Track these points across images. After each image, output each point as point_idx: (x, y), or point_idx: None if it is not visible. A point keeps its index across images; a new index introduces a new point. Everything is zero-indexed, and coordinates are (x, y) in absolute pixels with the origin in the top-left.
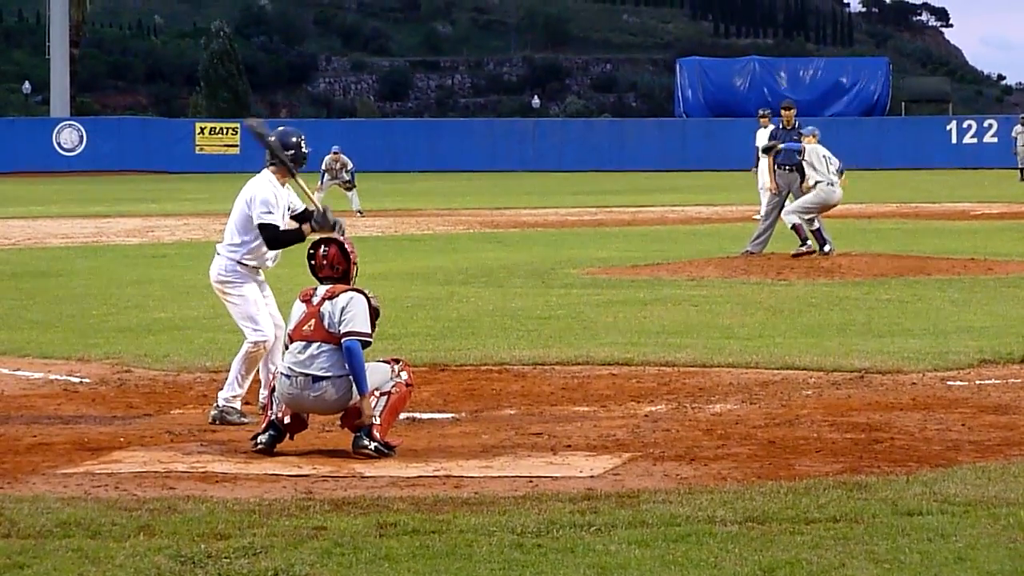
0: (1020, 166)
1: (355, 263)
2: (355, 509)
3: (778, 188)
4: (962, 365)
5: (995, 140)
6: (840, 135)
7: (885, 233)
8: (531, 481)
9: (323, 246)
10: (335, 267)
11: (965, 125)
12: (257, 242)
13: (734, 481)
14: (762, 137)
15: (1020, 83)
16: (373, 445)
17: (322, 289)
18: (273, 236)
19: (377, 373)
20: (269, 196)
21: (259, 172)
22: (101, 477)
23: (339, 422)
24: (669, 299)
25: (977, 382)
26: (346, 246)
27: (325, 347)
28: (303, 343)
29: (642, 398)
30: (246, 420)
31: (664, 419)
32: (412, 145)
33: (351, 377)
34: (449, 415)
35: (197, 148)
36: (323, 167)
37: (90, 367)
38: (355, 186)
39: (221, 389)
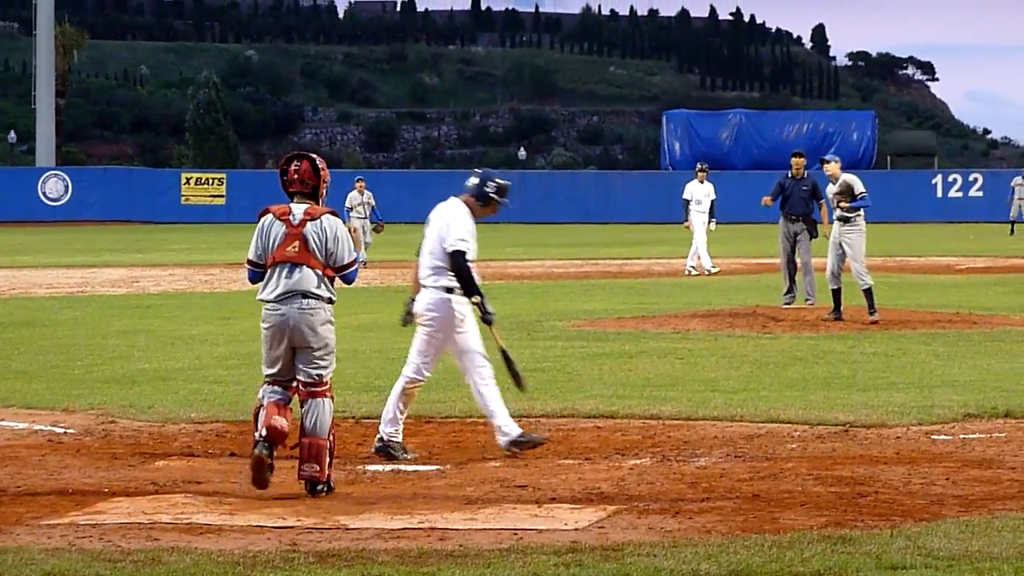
0: (1011, 219)
1: (325, 181)
2: (340, 561)
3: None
4: (946, 419)
5: (980, 194)
6: (825, 188)
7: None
8: (516, 534)
9: (295, 161)
10: (306, 182)
11: (951, 179)
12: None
13: (718, 534)
14: (692, 190)
15: (1006, 137)
16: (325, 490)
17: (299, 209)
18: (461, 265)
19: (328, 413)
20: (463, 222)
21: (447, 201)
22: (85, 528)
23: (299, 475)
24: (654, 352)
25: (961, 436)
26: (317, 162)
27: (311, 271)
28: (290, 265)
29: (627, 451)
30: (408, 455)
31: (649, 472)
32: (398, 196)
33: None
34: (434, 467)
35: (183, 198)
36: (347, 204)
37: (75, 417)
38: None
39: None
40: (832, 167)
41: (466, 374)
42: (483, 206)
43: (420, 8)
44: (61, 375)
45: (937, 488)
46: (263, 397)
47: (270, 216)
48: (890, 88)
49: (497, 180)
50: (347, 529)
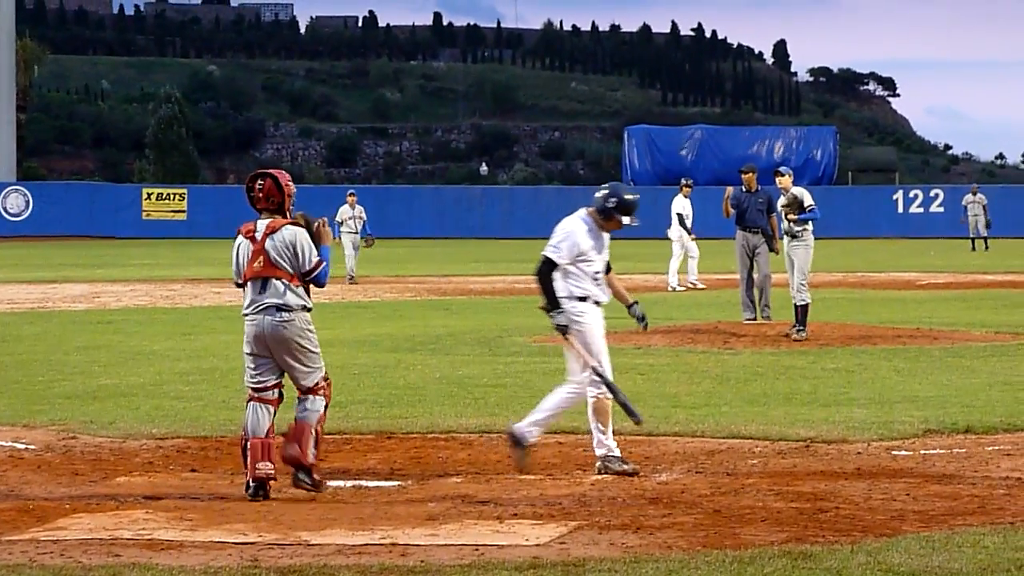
0: (971, 236)
1: (290, 195)
2: None
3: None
4: (907, 435)
5: (941, 210)
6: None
7: (831, 302)
8: (477, 549)
9: (259, 180)
10: (271, 199)
11: (912, 195)
12: (579, 269)
13: (679, 550)
14: (679, 204)
15: (966, 153)
16: (311, 482)
17: (262, 225)
18: (540, 271)
19: (319, 406)
20: (568, 232)
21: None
22: (46, 544)
23: (281, 454)
24: (616, 367)
25: (922, 452)
26: (280, 180)
27: (278, 282)
28: (260, 281)
29: (589, 466)
30: (628, 467)
31: (610, 488)
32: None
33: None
34: (395, 483)
35: (144, 214)
36: (338, 218)
37: (35, 433)
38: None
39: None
40: (785, 180)
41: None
42: (605, 220)
43: (382, 23)
44: (22, 391)
45: (898, 504)
46: (247, 423)
47: (240, 236)
48: (851, 104)
49: (624, 195)
50: (308, 545)
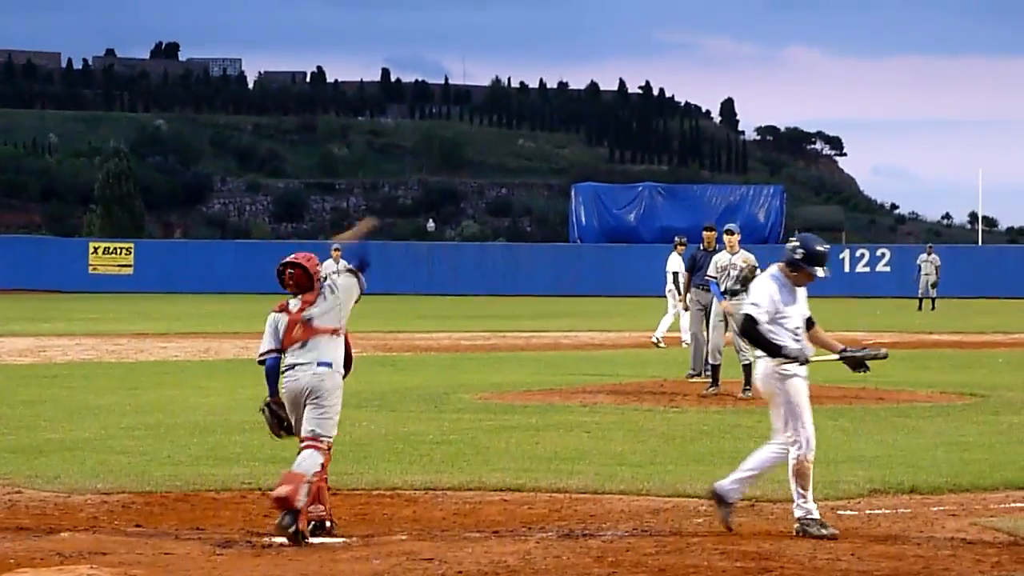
0: (919, 295)
1: (318, 278)
2: None
3: (687, 306)
4: (852, 494)
5: (888, 269)
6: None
7: None
8: None
9: (290, 268)
10: (300, 285)
11: (858, 254)
12: (778, 326)
13: None
14: (673, 263)
15: (913, 212)
16: (294, 529)
17: (295, 302)
18: (747, 328)
19: (317, 460)
20: (763, 290)
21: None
22: None
23: (272, 495)
24: (562, 425)
25: (867, 512)
26: (309, 269)
27: (320, 339)
28: (300, 344)
29: (534, 524)
30: (827, 532)
31: (555, 546)
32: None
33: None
34: (340, 540)
35: (90, 268)
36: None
37: None
38: None
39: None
40: (734, 239)
41: None
42: (796, 273)
43: (330, 79)
44: None
45: (843, 564)
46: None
47: (274, 314)
48: (798, 162)
49: (813, 247)
50: None
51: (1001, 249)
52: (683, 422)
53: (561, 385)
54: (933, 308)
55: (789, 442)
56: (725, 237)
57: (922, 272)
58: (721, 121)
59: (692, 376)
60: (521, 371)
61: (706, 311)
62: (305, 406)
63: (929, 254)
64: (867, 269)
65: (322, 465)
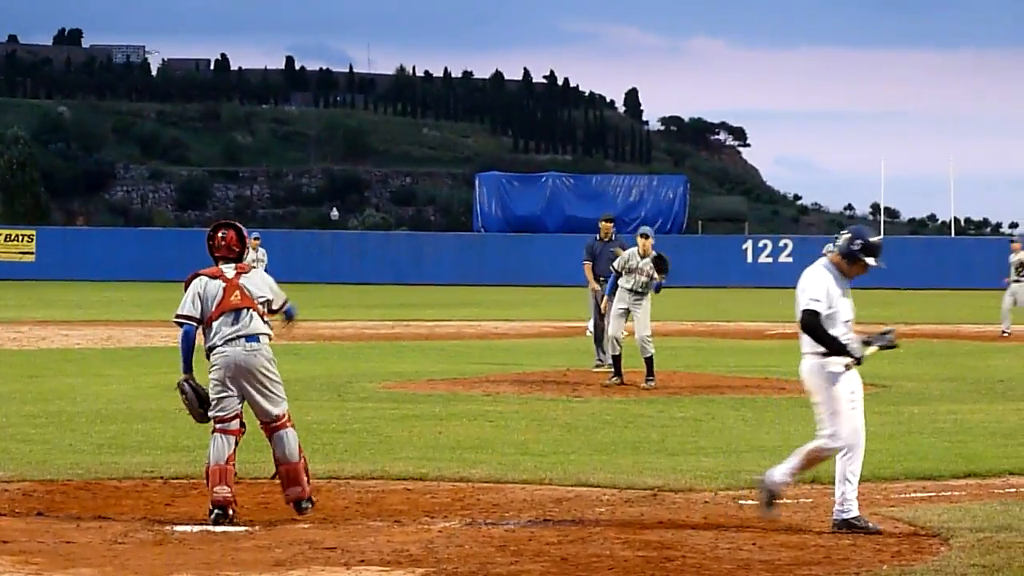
0: None
1: (247, 248)
2: None
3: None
4: (754, 484)
5: (790, 260)
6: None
7: (680, 351)
8: None
9: (223, 230)
10: (232, 248)
11: (761, 244)
12: (831, 320)
13: None
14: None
15: (816, 203)
16: (309, 506)
17: (229, 267)
18: (811, 323)
19: (294, 439)
20: (818, 281)
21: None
22: None
23: (285, 500)
24: (465, 414)
25: None
26: (243, 231)
27: (253, 312)
28: (234, 313)
29: (436, 513)
30: (872, 527)
31: (458, 535)
32: (209, 255)
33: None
34: (243, 528)
35: None
36: None
37: None
38: None
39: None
40: (649, 243)
41: None
42: (850, 264)
43: (234, 67)
44: None
45: (744, 553)
46: (210, 452)
47: (204, 278)
48: (702, 153)
49: (868, 239)
50: None
51: (903, 240)
52: (586, 412)
53: (464, 374)
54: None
55: (826, 435)
56: (640, 240)
57: None
58: (625, 111)
59: (599, 366)
60: (424, 360)
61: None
62: (245, 386)
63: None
64: (770, 260)
65: (297, 440)
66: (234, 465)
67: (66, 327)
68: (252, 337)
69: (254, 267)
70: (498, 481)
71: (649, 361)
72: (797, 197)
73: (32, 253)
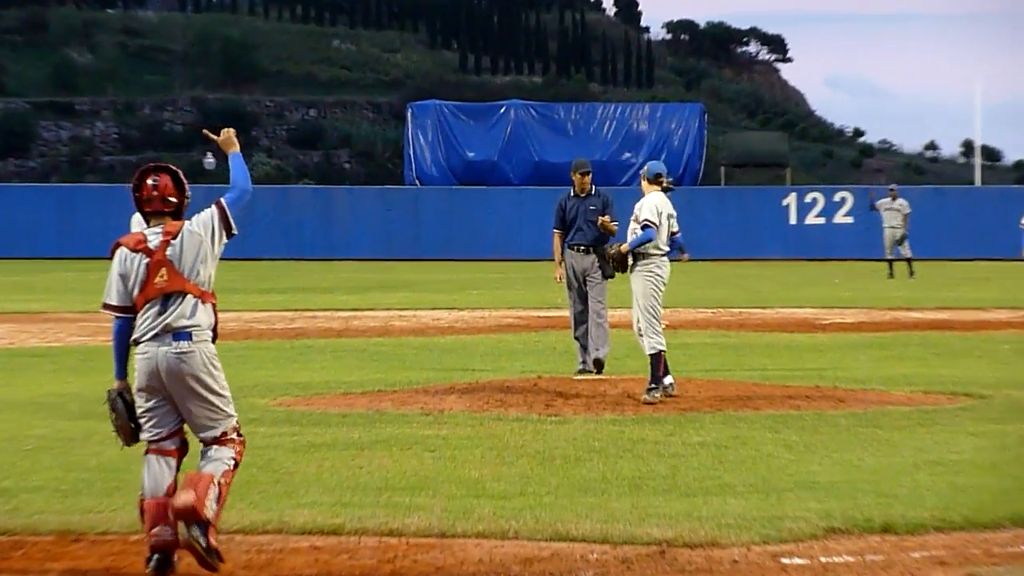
0: (888, 256)
1: (187, 196)
2: None
3: (562, 277)
4: (802, 536)
5: (850, 220)
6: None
7: (698, 349)
8: None
9: (153, 175)
10: (167, 200)
11: (808, 199)
12: None
13: None
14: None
15: (885, 141)
16: (205, 544)
17: (154, 232)
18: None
19: (226, 459)
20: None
21: None
22: None
23: (172, 505)
24: (395, 441)
25: (822, 559)
26: (181, 176)
27: (187, 299)
28: (161, 299)
29: None
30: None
31: None
32: (36, 220)
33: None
34: None
35: None
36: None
37: None
38: None
39: None
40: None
41: None
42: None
43: None
44: None
45: None
46: (143, 481)
47: (124, 249)
48: (724, 71)
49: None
50: None
51: (1005, 192)
52: (566, 435)
53: (394, 385)
54: (911, 275)
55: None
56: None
57: (885, 224)
58: (617, 15)
59: (584, 372)
60: (338, 367)
61: (583, 280)
62: (174, 398)
63: (894, 199)
64: (821, 220)
65: (234, 461)
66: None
67: None
68: (181, 333)
69: (186, 225)
70: (443, 534)
71: (652, 361)
72: (858, 133)
73: None
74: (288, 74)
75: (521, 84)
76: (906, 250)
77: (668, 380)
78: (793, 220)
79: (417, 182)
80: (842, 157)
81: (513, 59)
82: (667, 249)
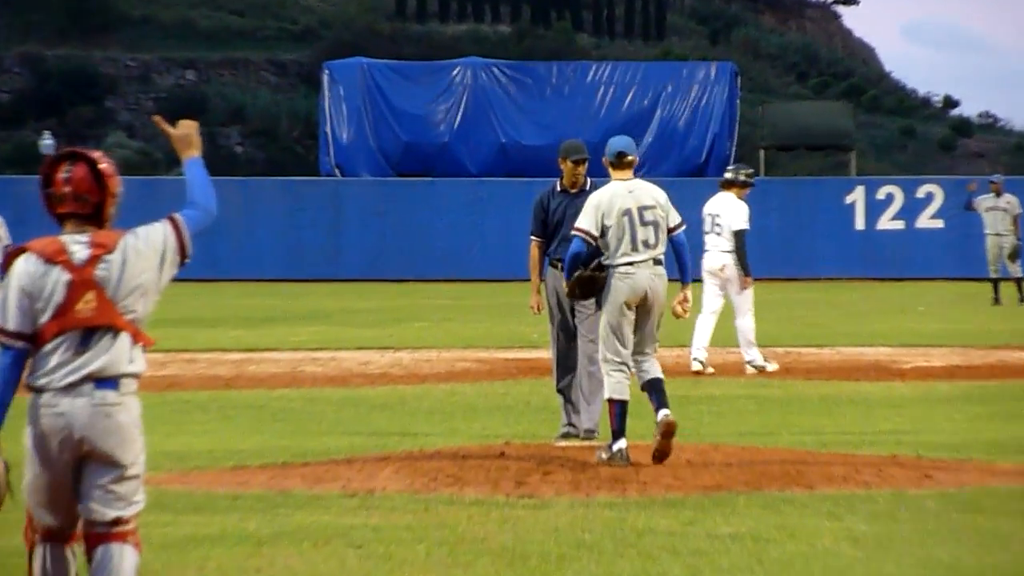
0: (992, 275)
1: (114, 194)
2: None
3: (541, 305)
4: None
5: (939, 224)
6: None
7: (727, 404)
8: None
9: (67, 164)
10: (83, 198)
11: (881, 195)
12: None
13: None
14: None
15: (987, 113)
16: None
17: (79, 241)
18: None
19: (131, 570)
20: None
21: None
22: None
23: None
24: (306, 533)
25: None
26: (100, 166)
27: (120, 338)
28: (82, 333)
29: None
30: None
31: None
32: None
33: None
34: None
35: None
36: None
37: None
38: None
39: None
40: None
41: None
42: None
43: None
44: None
45: None
46: None
47: (33, 258)
48: (764, 18)
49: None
50: None
51: None
52: (543, 525)
53: (306, 455)
54: (1022, 299)
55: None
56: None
57: (987, 229)
58: None
59: (570, 435)
60: (227, 429)
61: (570, 312)
62: (80, 464)
63: (999, 194)
64: (900, 224)
65: (135, 570)
66: None
67: None
68: (107, 382)
69: (128, 240)
70: None
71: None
72: (950, 103)
73: None
74: (157, 21)
75: (482, 35)
76: (1016, 267)
77: (620, 444)
78: (860, 224)
79: (337, 172)
80: (928, 137)
81: (472, 3)
82: (644, 257)
